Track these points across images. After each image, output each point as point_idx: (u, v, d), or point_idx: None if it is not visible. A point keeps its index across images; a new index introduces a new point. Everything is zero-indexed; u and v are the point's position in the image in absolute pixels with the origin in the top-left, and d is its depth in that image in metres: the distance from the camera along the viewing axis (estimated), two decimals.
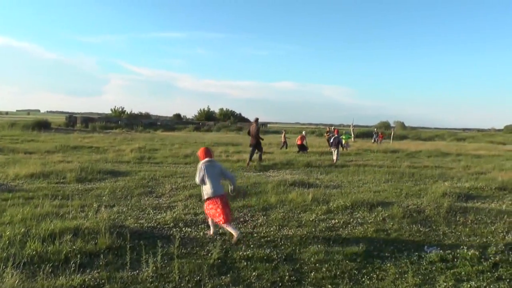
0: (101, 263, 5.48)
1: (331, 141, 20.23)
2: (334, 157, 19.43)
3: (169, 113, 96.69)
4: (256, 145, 17.68)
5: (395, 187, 12.16)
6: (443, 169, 17.19)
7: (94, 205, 8.72)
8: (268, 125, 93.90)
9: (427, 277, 5.35)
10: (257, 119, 18.73)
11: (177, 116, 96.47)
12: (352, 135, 43.36)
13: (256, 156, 17.90)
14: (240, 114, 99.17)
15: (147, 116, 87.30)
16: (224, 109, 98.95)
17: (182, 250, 6.13)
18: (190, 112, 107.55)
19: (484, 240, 7.11)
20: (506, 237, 7.29)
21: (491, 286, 5.09)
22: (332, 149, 20.07)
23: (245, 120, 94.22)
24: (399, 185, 12.62)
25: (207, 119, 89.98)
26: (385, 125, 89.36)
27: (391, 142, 40.37)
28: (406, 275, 5.35)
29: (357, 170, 16.12)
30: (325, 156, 21.69)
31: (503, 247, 6.54)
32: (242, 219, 8.09)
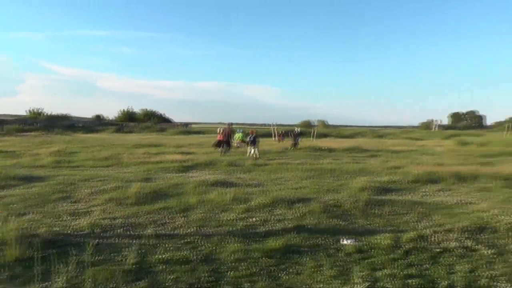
0: (6, 276, 5.22)
1: (247, 139, 22.71)
2: (255, 153, 21.51)
3: (91, 114, 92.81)
4: (226, 142, 22.90)
5: (316, 184, 12.66)
6: (362, 165, 18.10)
7: (1, 214, 8.24)
8: (192, 125, 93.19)
9: (344, 268, 5.67)
10: (230, 123, 24.47)
11: (98, 117, 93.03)
12: (275, 134, 44.24)
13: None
14: (163, 114, 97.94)
15: (66, 117, 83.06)
16: (146, 109, 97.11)
17: (97, 257, 5.96)
18: (112, 113, 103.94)
19: (398, 229, 7.64)
20: (418, 226, 7.91)
21: (403, 272, 5.50)
22: (252, 148, 21.93)
23: (168, 121, 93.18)
24: (320, 182, 13.15)
25: (129, 120, 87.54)
26: (308, 124, 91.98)
27: (313, 140, 41.61)
28: (323, 268, 5.63)
29: (279, 168, 16.55)
30: (246, 156, 22.04)
31: (414, 235, 7.09)
32: (160, 222, 8.04)
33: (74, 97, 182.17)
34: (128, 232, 7.27)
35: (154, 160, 18.82)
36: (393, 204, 9.66)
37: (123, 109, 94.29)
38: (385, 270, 5.55)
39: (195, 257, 6.01)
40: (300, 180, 13.61)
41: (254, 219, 8.23)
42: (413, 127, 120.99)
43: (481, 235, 7.34)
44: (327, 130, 74.51)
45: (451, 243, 6.78)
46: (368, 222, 8.16)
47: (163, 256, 6.02)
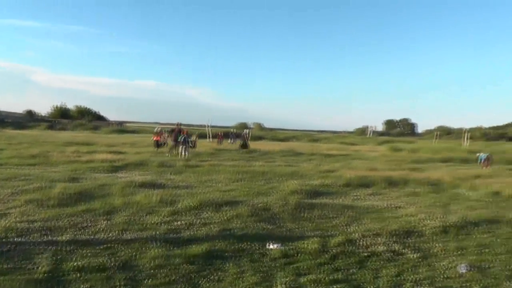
0: None
1: (179, 140, 22.73)
2: (184, 153, 21.95)
3: (21, 110, 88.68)
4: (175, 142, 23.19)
5: (246, 186, 12.47)
6: (295, 168, 18.15)
7: None
8: (127, 124, 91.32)
9: (267, 274, 5.47)
10: (178, 123, 25.20)
11: (29, 113, 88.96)
12: (209, 135, 43.89)
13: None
14: (98, 112, 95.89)
15: None
16: (81, 106, 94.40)
17: (6, 266, 5.40)
18: (44, 109, 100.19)
19: (327, 233, 7.57)
20: (347, 230, 7.90)
21: (329, 277, 5.38)
22: (183, 148, 22.16)
23: (102, 119, 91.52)
24: (250, 184, 12.97)
25: (62, 117, 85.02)
26: (244, 126, 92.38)
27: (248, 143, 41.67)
28: (245, 274, 5.40)
29: (210, 170, 16.23)
30: (178, 157, 21.60)
31: (342, 239, 7.03)
32: (81, 225, 7.49)
33: (3, 91, 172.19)
34: (45, 237, 6.68)
35: (84, 159, 18.03)
36: (323, 207, 9.62)
37: (57, 105, 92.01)
38: (310, 276, 5.42)
39: (112, 264, 5.59)
40: (230, 183, 13.37)
41: (179, 222, 7.87)
42: (349, 132, 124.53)
43: (408, 239, 7.42)
44: (262, 132, 75.09)
45: (379, 247, 6.78)
46: (296, 226, 8.03)
47: (79, 263, 5.53)
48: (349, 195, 11.94)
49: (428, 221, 8.60)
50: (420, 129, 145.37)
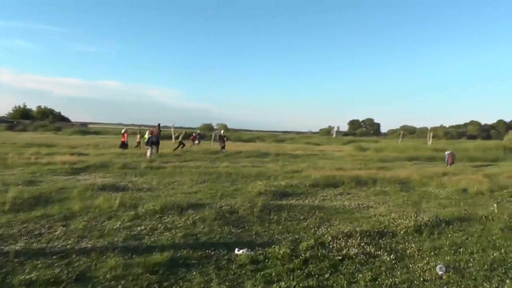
0: None
1: (146, 140, 23.35)
2: (148, 154, 22.08)
3: None
4: (156, 143, 23.28)
5: (211, 188, 12.08)
6: (261, 169, 17.84)
7: None
8: (90, 126, 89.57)
9: (235, 283, 5.10)
10: (159, 124, 24.88)
11: None
12: (173, 136, 43.15)
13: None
14: (59, 113, 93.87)
15: None
16: (43, 107, 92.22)
17: None
18: (5, 109, 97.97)
19: (297, 236, 7.27)
20: (317, 232, 7.62)
21: (301, 284, 5.06)
22: (149, 149, 22.42)
23: (65, 120, 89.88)
24: (215, 186, 12.57)
25: (24, 118, 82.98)
26: (209, 127, 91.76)
27: (212, 144, 41.14)
28: (211, 284, 5.01)
29: (174, 172, 15.75)
30: (141, 158, 21.01)
31: (313, 242, 6.72)
32: (35, 233, 6.93)
33: None
34: None
35: (43, 161, 17.30)
36: (291, 209, 9.33)
37: (18, 106, 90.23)
38: (281, 283, 5.08)
39: (67, 276, 5.08)
40: (194, 184, 12.94)
41: (140, 228, 7.41)
42: (313, 133, 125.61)
43: (382, 240, 7.19)
44: (227, 133, 74.49)
45: (351, 249, 6.49)
46: (264, 229, 7.68)
47: (29, 276, 4.99)
48: (317, 196, 11.71)
49: (401, 220, 8.41)
50: (384, 129, 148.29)
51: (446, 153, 24.38)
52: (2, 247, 6.09)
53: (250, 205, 9.18)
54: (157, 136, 23.38)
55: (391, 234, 7.57)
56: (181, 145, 29.94)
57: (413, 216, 8.74)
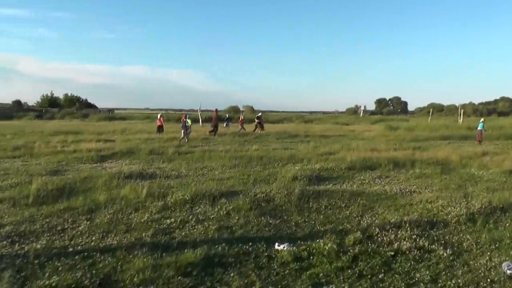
0: None
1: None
2: (182, 136, 22.45)
3: (9, 100, 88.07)
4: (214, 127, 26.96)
5: (242, 173, 11.51)
6: (292, 151, 17.19)
7: None
8: (116, 111, 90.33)
9: (279, 286, 4.51)
10: (216, 109, 28.95)
11: (17, 103, 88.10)
12: (200, 119, 42.70)
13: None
14: (86, 100, 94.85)
15: None
16: (70, 94, 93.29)
17: None
18: (33, 98, 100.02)
19: (340, 227, 6.66)
20: (361, 222, 6.98)
21: (354, 287, 4.44)
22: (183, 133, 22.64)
23: (92, 106, 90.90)
24: (247, 171, 12.00)
25: (51, 106, 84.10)
26: (235, 110, 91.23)
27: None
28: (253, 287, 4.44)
29: (203, 156, 15.22)
30: (169, 143, 20.54)
31: (360, 235, 6.07)
32: (58, 228, 6.48)
33: None
34: (14, 246, 5.62)
35: (70, 149, 17.00)
36: (331, 195, 8.69)
37: (45, 94, 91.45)
38: (331, 286, 4.48)
39: (90, 280, 4.54)
40: (225, 170, 12.40)
41: (170, 220, 6.88)
42: (340, 112, 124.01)
43: (433, 231, 6.53)
44: (254, 115, 73.90)
45: (403, 243, 5.83)
46: (304, 219, 7.08)
47: (49, 281, 4.47)
48: (355, 180, 11.05)
49: (450, 208, 7.70)
50: (411, 107, 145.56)
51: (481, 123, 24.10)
52: (23, 245, 5.63)
53: (286, 192, 8.56)
54: (216, 120, 26.73)
55: (442, 224, 6.88)
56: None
57: (463, 203, 8.02)
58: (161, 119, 29.24)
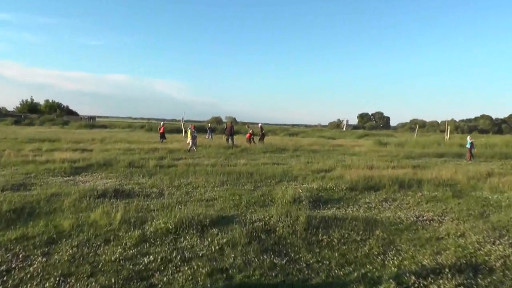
0: None
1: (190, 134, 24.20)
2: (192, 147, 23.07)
3: None
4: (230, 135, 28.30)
5: (232, 193, 10.09)
6: (284, 167, 15.80)
7: None
8: (98, 119, 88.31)
9: None
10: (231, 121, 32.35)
11: None
12: (183, 130, 41.04)
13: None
14: (67, 106, 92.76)
15: None
16: (50, 101, 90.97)
17: None
18: (13, 103, 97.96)
19: (363, 271, 5.25)
20: (386, 262, 5.57)
21: None
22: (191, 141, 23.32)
23: (73, 113, 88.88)
24: (237, 190, 10.59)
25: (31, 112, 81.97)
26: (218, 120, 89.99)
27: (225, 137, 39.07)
28: None
29: (187, 171, 13.74)
30: (150, 154, 18.90)
31: (395, 286, 4.67)
32: (4, 267, 5.00)
33: None
34: None
35: (42, 159, 15.35)
36: (341, 225, 7.29)
37: (25, 100, 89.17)
38: None
39: None
40: (212, 187, 10.96)
41: (148, 258, 5.40)
42: (323, 126, 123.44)
43: (479, 278, 5.14)
44: (237, 126, 72.53)
45: None
46: (316, 259, 5.65)
47: None
48: (359, 203, 9.74)
49: (489, 245, 6.38)
50: (393, 122, 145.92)
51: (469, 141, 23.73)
52: None
53: (288, 220, 7.15)
54: (231, 130, 28.23)
55: (486, 269, 5.51)
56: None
57: (499, 239, 6.72)
58: (162, 127, 31.53)
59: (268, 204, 8.93)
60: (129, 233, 6.35)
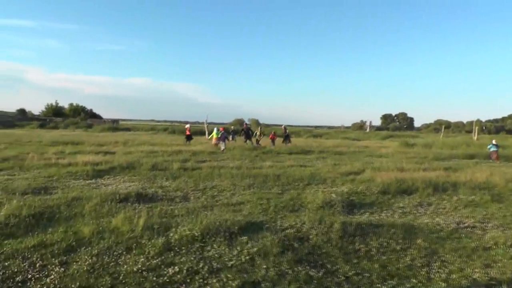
0: None
1: (219, 135, 25.28)
2: (222, 147, 23.53)
3: (13, 109, 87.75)
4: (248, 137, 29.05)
5: (260, 197, 9.63)
6: (311, 169, 15.28)
7: None
8: (121, 122, 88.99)
9: None
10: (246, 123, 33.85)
11: (22, 111, 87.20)
12: (206, 132, 40.73)
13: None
14: (91, 110, 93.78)
15: None
16: (74, 104, 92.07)
17: None
18: (38, 107, 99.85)
19: (408, 286, 4.74)
20: (431, 275, 5.05)
21: None
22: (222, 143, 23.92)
23: (97, 117, 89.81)
24: (265, 193, 10.13)
25: (56, 115, 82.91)
26: (240, 123, 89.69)
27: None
28: None
29: (211, 173, 13.32)
30: (174, 157, 18.53)
31: None
32: (20, 277, 4.65)
33: None
34: None
35: (64, 162, 15.01)
36: (378, 232, 6.77)
37: (50, 104, 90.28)
38: None
39: None
40: (238, 191, 10.53)
41: (173, 269, 4.98)
42: (346, 127, 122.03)
43: None
44: (256, 129, 72.10)
45: None
46: (355, 271, 5.14)
47: None
48: (393, 207, 9.22)
49: None
50: (417, 123, 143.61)
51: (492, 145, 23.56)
52: None
53: (322, 227, 6.67)
54: (248, 131, 28.79)
55: None
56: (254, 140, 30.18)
57: None
58: (188, 129, 31.81)
59: (298, 208, 8.47)
60: (153, 240, 5.95)
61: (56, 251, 5.49)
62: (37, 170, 13.39)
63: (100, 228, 6.50)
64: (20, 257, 5.22)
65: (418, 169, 15.75)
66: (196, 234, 6.17)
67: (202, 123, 45.49)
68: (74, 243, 5.83)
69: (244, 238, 6.11)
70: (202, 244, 5.89)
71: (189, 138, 30.61)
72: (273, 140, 30.24)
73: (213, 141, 27.67)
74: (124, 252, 5.51)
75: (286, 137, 30.69)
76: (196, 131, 43.63)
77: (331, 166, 16.32)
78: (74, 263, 5.10)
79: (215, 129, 28.66)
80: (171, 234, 6.24)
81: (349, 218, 7.65)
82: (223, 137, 24.39)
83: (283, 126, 35.31)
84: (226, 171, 13.85)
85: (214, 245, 5.87)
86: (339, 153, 24.66)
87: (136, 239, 6.04)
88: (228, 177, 12.60)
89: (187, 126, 33.19)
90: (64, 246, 5.69)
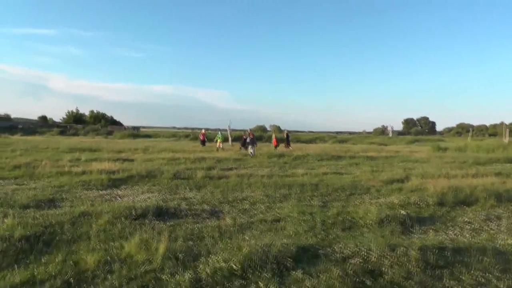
0: None
1: (247, 140, 26.25)
2: (251, 151, 24.19)
3: (36, 116, 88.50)
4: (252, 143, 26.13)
5: (301, 210, 8.14)
6: (349, 176, 13.74)
7: None
8: (142, 129, 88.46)
9: None
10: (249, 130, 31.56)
11: (43, 118, 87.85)
12: (229, 138, 39.36)
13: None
14: (111, 117, 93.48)
15: (6, 118, 77.26)
16: (95, 111, 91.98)
17: None
18: (60, 114, 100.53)
19: None
20: None
21: None
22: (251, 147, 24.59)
23: (117, 124, 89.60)
24: (305, 206, 8.62)
25: (76, 122, 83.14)
26: (262, 129, 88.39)
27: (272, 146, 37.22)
28: None
29: (240, 183, 11.84)
30: (197, 164, 17.11)
31: None
32: None
33: (19, 97, 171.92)
34: None
35: (77, 170, 13.66)
36: (465, 261, 5.20)
37: (71, 110, 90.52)
38: None
39: None
40: (273, 203, 9.08)
41: None
42: (368, 132, 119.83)
43: None
44: (281, 135, 70.69)
45: None
46: None
47: None
48: (458, 223, 7.73)
49: None
50: (439, 127, 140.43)
51: None
52: None
53: (395, 255, 5.14)
54: (252, 138, 26.94)
55: None
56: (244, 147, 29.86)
57: None
58: (203, 134, 33.12)
59: (350, 226, 7.00)
60: (177, 276, 4.50)
61: None
62: (48, 178, 12.17)
63: (108, 257, 5.09)
64: None
65: (466, 175, 14.10)
66: (235, 266, 4.68)
67: (225, 129, 43.87)
68: (72, 278, 4.44)
69: (299, 273, 4.61)
70: (243, 282, 4.42)
71: (203, 143, 32.30)
72: (276, 145, 30.91)
73: (218, 145, 29.44)
74: None
75: (287, 142, 32.40)
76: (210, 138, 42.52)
77: (369, 173, 14.72)
78: None
79: (219, 133, 31.10)
80: (201, 266, 4.78)
81: (418, 239, 6.12)
82: (252, 142, 24.93)
83: (285, 131, 37.31)
84: (256, 180, 12.40)
85: (260, 283, 4.39)
86: (370, 158, 22.98)
87: (154, 273, 4.62)
88: (259, 187, 11.16)
89: (203, 131, 34.27)
90: (58, 284, 4.30)
